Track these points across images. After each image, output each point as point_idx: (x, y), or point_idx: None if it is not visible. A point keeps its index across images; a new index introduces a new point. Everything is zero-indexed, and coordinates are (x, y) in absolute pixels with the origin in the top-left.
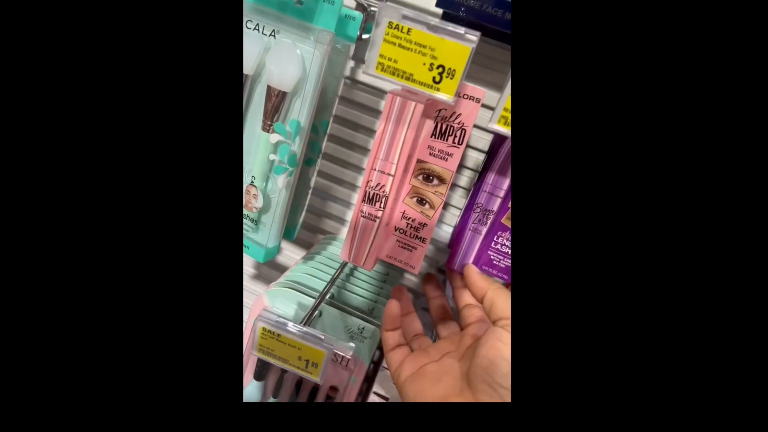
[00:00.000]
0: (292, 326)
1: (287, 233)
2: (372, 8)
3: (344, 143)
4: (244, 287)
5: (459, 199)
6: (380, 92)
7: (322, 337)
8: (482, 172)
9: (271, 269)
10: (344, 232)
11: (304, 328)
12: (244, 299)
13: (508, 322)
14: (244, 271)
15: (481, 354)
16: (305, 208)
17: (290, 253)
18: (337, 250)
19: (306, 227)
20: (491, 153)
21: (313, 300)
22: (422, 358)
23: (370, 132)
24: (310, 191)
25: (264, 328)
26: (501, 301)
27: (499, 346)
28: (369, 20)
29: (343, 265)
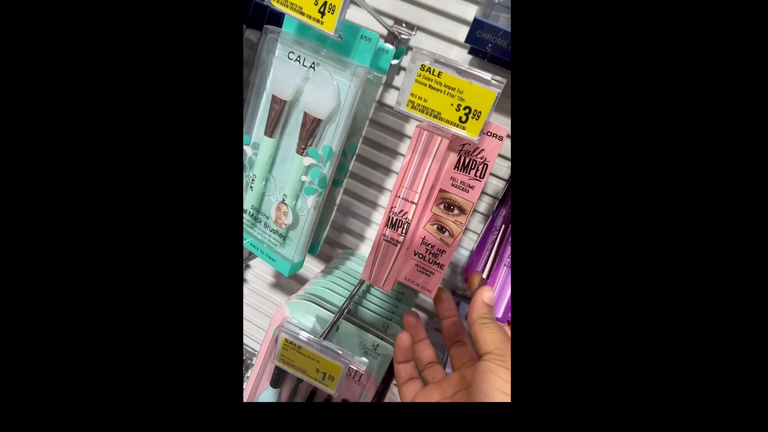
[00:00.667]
0: (312, 340)
1: (311, 249)
2: (402, 36)
3: (368, 162)
4: (264, 295)
5: (477, 224)
6: (405, 116)
7: (340, 352)
8: (503, 198)
9: (290, 279)
10: (362, 248)
11: (324, 342)
12: (263, 307)
13: (495, 355)
14: (264, 279)
15: (475, 391)
16: (329, 224)
17: (309, 265)
18: (355, 265)
19: (326, 241)
20: (505, 195)
21: (331, 313)
22: (435, 393)
23: (394, 153)
24: (335, 209)
25: (286, 340)
26: (484, 335)
27: (491, 378)
28: (399, 45)
29: (361, 282)
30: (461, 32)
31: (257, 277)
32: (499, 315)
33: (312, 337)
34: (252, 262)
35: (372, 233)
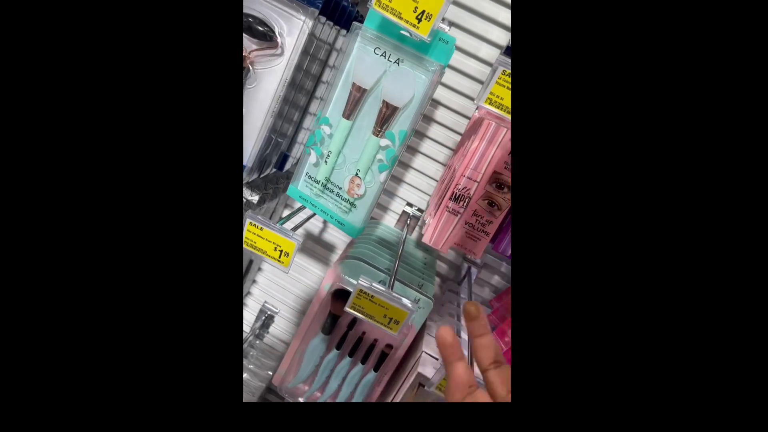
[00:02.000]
0: (383, 291)
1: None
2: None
3: None
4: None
5: None
6: (436, 103)
7: (409, 304)
8: None
9: (316, 244)
10: (386, 218)
11: (393, 293)
12: (306, 265)
13: (492, 366)
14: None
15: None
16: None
17: (336, 233)
18: (383, 232)
19: None
20: None
21: (376, 271)
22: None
23: (421, 135)
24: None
25: (361, 290)
26: (478, 353)
27: (494, 390)
28: None
29: (401, 245)
30: (491, 30)
31: None
32: (508, 253)
33: (382, 288)
34: None
35: (396, 206)
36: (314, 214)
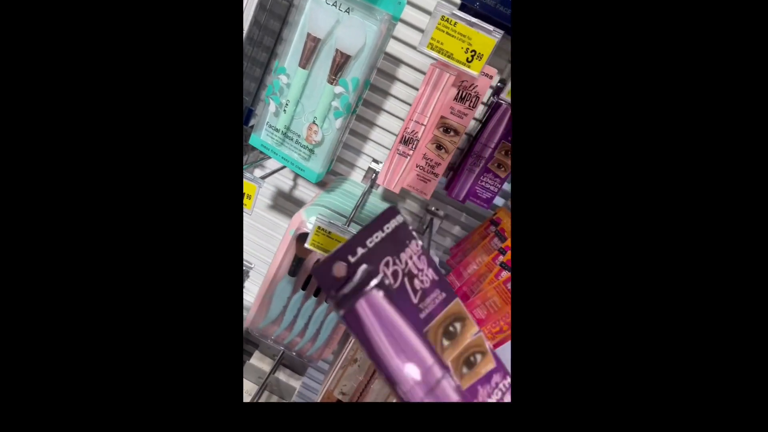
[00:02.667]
0: (338, 225)
1: (324, 172)
2: None
3: (363, 102)
4: (263, 217)
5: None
6: (398, 62)
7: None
8: (479, 132)
9: (287, 201)
10: (353, 175)
11: (349, 228)
12: (278, 222)
13: None
14: (266, 203)
15: None
16: (341, 146)
17: (305, 190)
18: (351, 187)
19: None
20: (486, 120)
21: (340, 216)
22: None
23: (385, 93)
24: (346, 133)
25: (319, 227)
26: None
27: None
28: None
29: (364, 193)
30: None
31: (260, 200)
32: (461, 198)
33: (339, 224)
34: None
35: (362, 163)
36: (284, 166)
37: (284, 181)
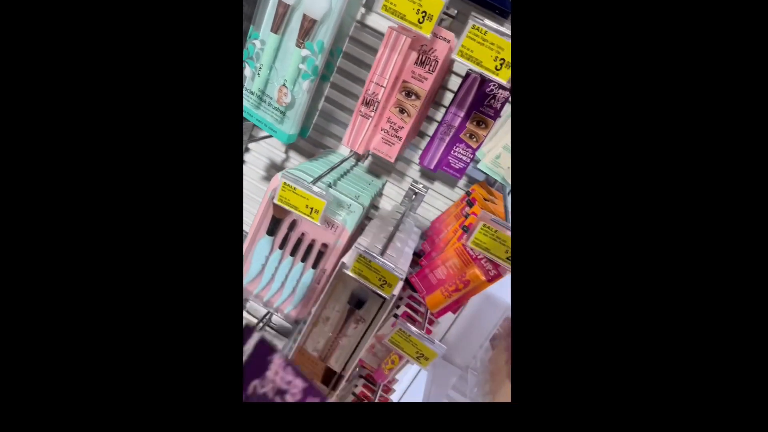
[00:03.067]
0: (304, 182)
1: (302, 132)
2: None
3: (349, 76)
4: (256, 187)
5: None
6: (376, 32)
7: (324, 192)
8: (451, 103)
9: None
10: (341, 149)
11: (313, 186)
12: (265, 189)
13: None
14: (256, 174)
15: None
16: (317, 114)
17: (295, 161)
18: (334, 158)
19: (316, 129)
20: (458, 91)
21: (310, 178)
22: None
23: (368, 66)
24: (322, 100)
25: (285, 183)
26: None
27: None
28: None
29: (343, 160)
30: None
31: (252, 169)
32: (432, 166)
33: (304, 181)
34: (247, 157)
35: None
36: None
37: (276, 153)
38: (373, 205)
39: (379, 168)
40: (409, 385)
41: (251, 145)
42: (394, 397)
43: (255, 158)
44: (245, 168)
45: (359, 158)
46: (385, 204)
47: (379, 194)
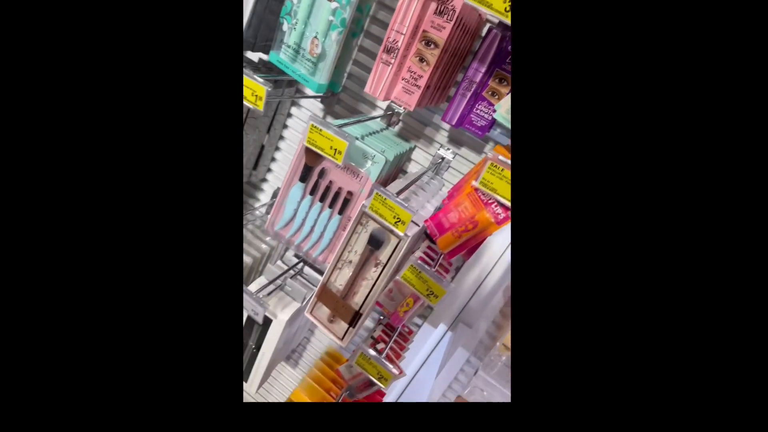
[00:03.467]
0: (330, 125)
1: (333, 86)
2: None
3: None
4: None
5: None
6: None
7: (346, 134)
8: (473, 59)
9: None
10: (372, 113)
11: (338, 128)
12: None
13: None
14: (296, 137)
15: None
16: (348, 70)
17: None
18: (368, 121)
19: (346, 92)
20: (479, 48)
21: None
22: None
23: None
24: (353, 56)
25: (312, 125)
26: None
27: None
28: None
29: (369, 118)
30: None
31: (293, 134)
32: (453, 122)
33: (331, 123)
34: (286, 134)
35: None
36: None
37: (316, 113)
38: (402, 170)
39: (408, 133)
40: (432, 351)
41: (293, 110)
42: (417, 360)
43: (296, 123)
44: (287, 133)
45: (389, 123)
46: (413, 169)
47: (408, 159)
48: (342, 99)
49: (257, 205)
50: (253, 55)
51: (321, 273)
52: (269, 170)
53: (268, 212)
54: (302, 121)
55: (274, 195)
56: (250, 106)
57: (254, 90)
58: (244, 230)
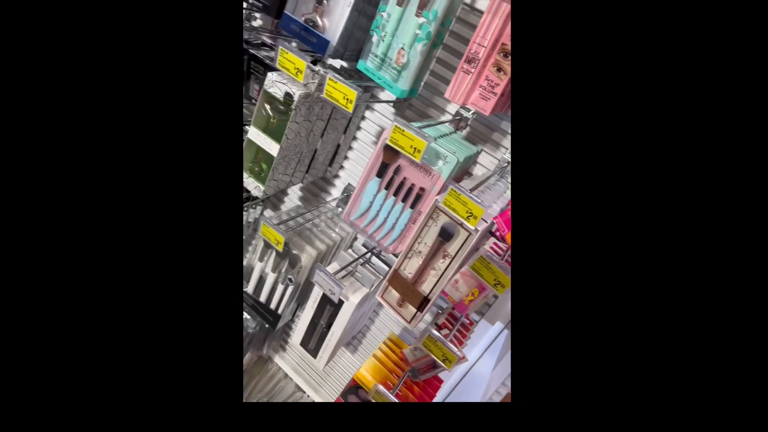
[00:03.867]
0: (412, 126)
1: (412, 92)
2: None
3: (457, 54)
4: (368, 149)
5: None
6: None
7: (426, 135)
8: None
9: None
10: (441, 117)
11: (419, 129)
12: (367, 155)
13: None
14: (368, 138)
15: None
16: (425, 80)
17: None
18: (438, 125)
19: (420, 99)
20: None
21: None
22: None
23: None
24: (431, 66)
25: (396, 125)
26: None
27: None
28: None
29: (439, 122)
30: None
31: (365, 134)
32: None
33: (412, 125)
34: (359, 134)
35: (451, 108)
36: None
37: (386, 121)
38: (468, 172)
39: (475, 137)
40: (490, 345)
41: (367, 113)
42: (475, 353)
43: (369, 125)
44: (360, 134)
45: (457, 127)
46: (478, 172)
47: (474, 161)
48: (412, 104)
49: (329, 198)
50: (333, 62)
51: (387, 263)
52: (341, 167)
53: (338, 206)
54: (375, 124)
55: (345, 190)
56: (341, 108)
57: (346, 93)
58: (318, 220)
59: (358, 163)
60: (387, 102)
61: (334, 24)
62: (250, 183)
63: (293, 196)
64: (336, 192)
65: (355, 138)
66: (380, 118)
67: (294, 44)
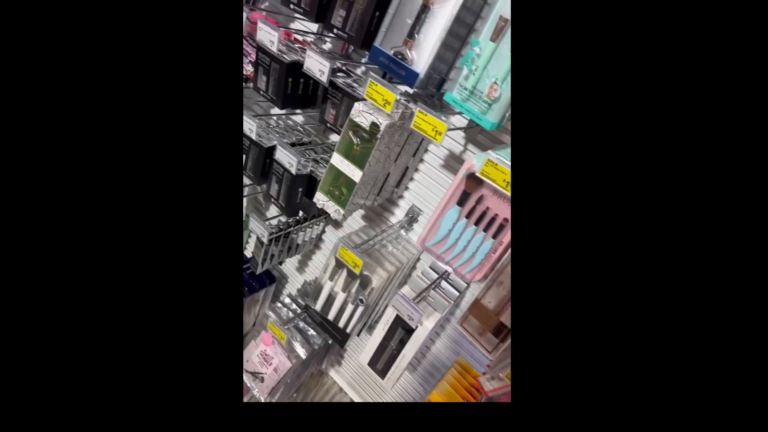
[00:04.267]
0: (504, 161)
1: (498, 124)
2: None
3: None
4: (436, 173)
5: None
6: None
7: None
8: None
9: (457, 162)
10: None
11: (509, 163)
12: (448, 179)
13: None
14: (437, 161)
15: None
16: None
17: (470, 154)
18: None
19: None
20: None
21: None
22: None
23: None
24: None
25: (489, 160)
26: None
27: None
28: None
29: None
30: None
31: (434, 158)
32: None
33: (504, 160)
34: (426, 157)
35: None
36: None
37: (456, 146)
38: None
39: None
40: None
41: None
42: None
43: (436, 148)
44: (427, 156)
45: None
46: None
47: None
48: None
49: (392, 219)
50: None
51: (456, 288)
52: (407, 188)
53: (401, 227)
54: (443, 147)
55: (410, 211)
56: (430, 139)
57: (435, 126)
58: (385, 241)
59: (422, 184)
60: (459, 129)
61: (423, 57)
62: (330, 206)
63: (356, 215)
64: (399, 212)
65: (422, 161)
66: (449, 141)
67: (362, 69)
